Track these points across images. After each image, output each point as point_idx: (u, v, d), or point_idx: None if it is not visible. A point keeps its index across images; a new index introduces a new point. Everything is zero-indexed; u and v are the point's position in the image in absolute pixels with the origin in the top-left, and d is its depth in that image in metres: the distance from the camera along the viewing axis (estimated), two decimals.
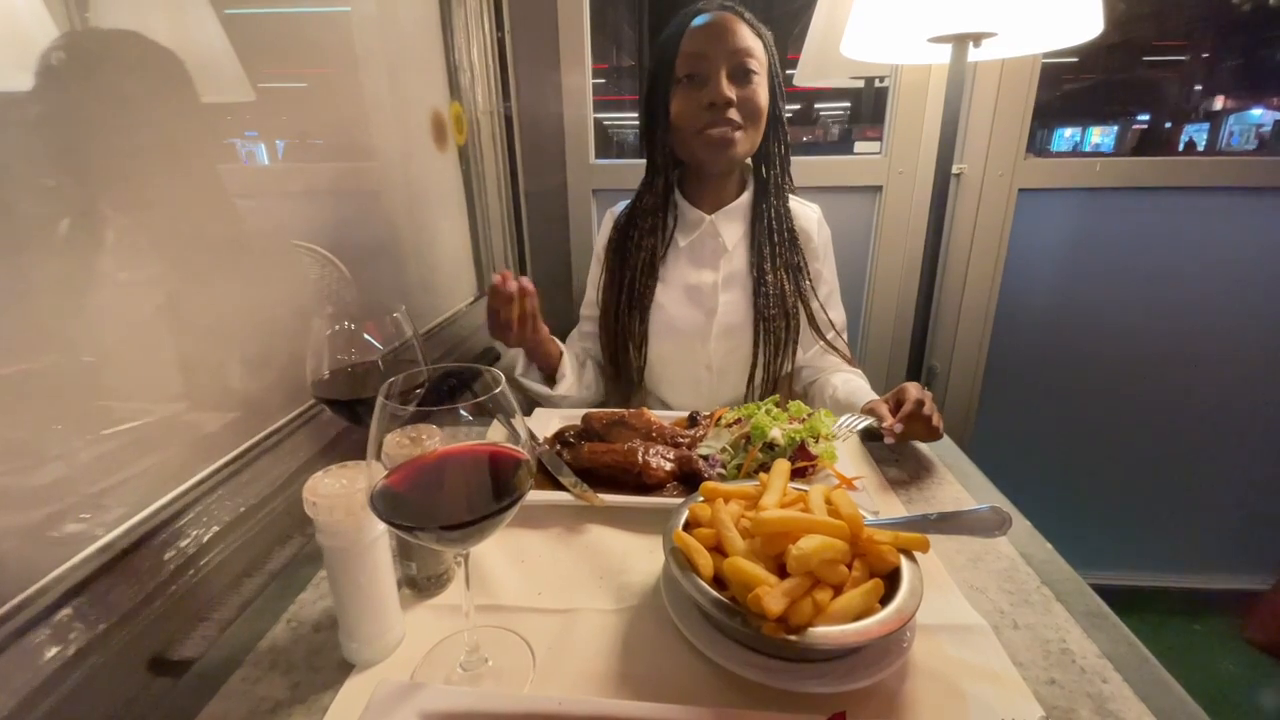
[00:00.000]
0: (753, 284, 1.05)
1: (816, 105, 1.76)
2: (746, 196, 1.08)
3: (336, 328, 0.58)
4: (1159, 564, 1.78)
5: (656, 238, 1.07)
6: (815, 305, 1.08)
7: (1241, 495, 1.69)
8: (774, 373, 1.07)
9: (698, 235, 1.07)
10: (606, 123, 1.71)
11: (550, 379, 1.03)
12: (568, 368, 1.02)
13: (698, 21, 0.97)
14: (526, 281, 0.91)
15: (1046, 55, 1.36)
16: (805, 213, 1.11)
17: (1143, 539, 1.77)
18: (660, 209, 1.07)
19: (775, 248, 1.05)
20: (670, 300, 1.07)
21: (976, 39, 1.07)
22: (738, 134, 0.98)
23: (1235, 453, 1.66)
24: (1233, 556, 1.75)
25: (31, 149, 0.50)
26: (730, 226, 1.07)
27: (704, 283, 1.06)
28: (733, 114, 0.96)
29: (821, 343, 1.08)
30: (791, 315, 1.05)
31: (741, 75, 0.96)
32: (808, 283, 1.07)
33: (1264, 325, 1.54)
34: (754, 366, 1.06)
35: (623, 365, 1.10)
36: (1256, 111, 1.80)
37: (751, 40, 0.97)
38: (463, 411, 0.41)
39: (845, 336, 1.13)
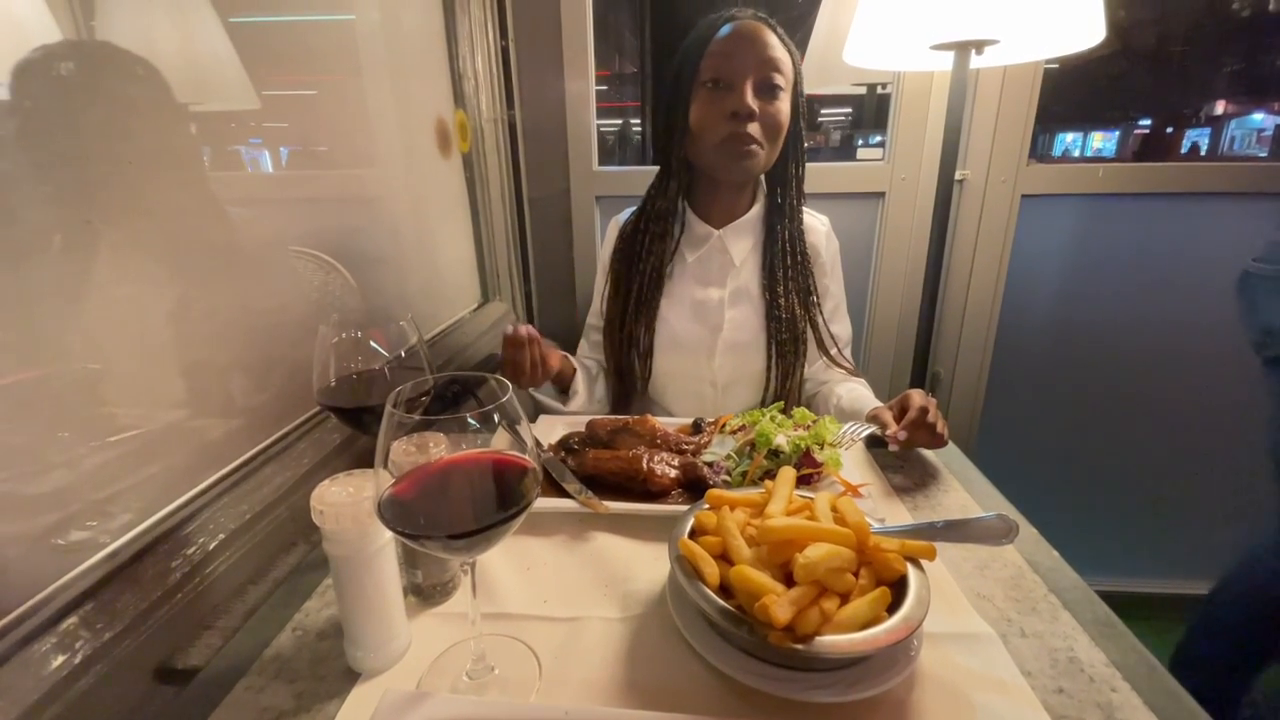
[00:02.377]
0: (765, 305, 1.04)
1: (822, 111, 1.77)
2: (757, 210, 1.07)
3: (343, 335, 0.58)
4: (1166, 570, 1.77)
5: (664, 247, 1.05)
6: (821, 322, 1.07)
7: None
8: (784, 390, 1.07)
9: (705, 250, 1.06)
10: (608, 129, 1.72)
11: (564, 393, 1.03)
12: (580, 384, 1.02)
13: (728, 28, 0.95)
14: (532, 330, 0.91)
15: (1048, 61, 1.37)
16: (815, 225, 1.11)
17: (1149, 544, 1.76)
18: (670, 214, 1.05)
19: (787, 269, 1.04)
20: (675, 315, 1.06)
21: (979, 46, 1.08)
22: (755, 148, 0.96)
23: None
24: None
25: (35, 156, 0.50)
26: (739, 242, 1.06)
27: (710, 299, 1.05)
28: (754, 129, 0.94)
29: (826, 357, 1.08)
30: (801, 336, 1.05)
31: (767, 89, 0.94)
32: (815, 300, 1.07)
33: None
34: (766, 384, 1.06)
35: (627, 375, 1.10)
36: (1258, 116, 1.80)
37: (781, 53, 0.94)
38: (469, 419, 0.41)
39: (849, 350, 1.12)
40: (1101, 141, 1.93)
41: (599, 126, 1.53)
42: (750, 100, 0.93)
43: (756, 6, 1.00)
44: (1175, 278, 1.52)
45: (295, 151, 0.85)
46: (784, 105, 0.96)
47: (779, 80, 0.94)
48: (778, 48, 0.94)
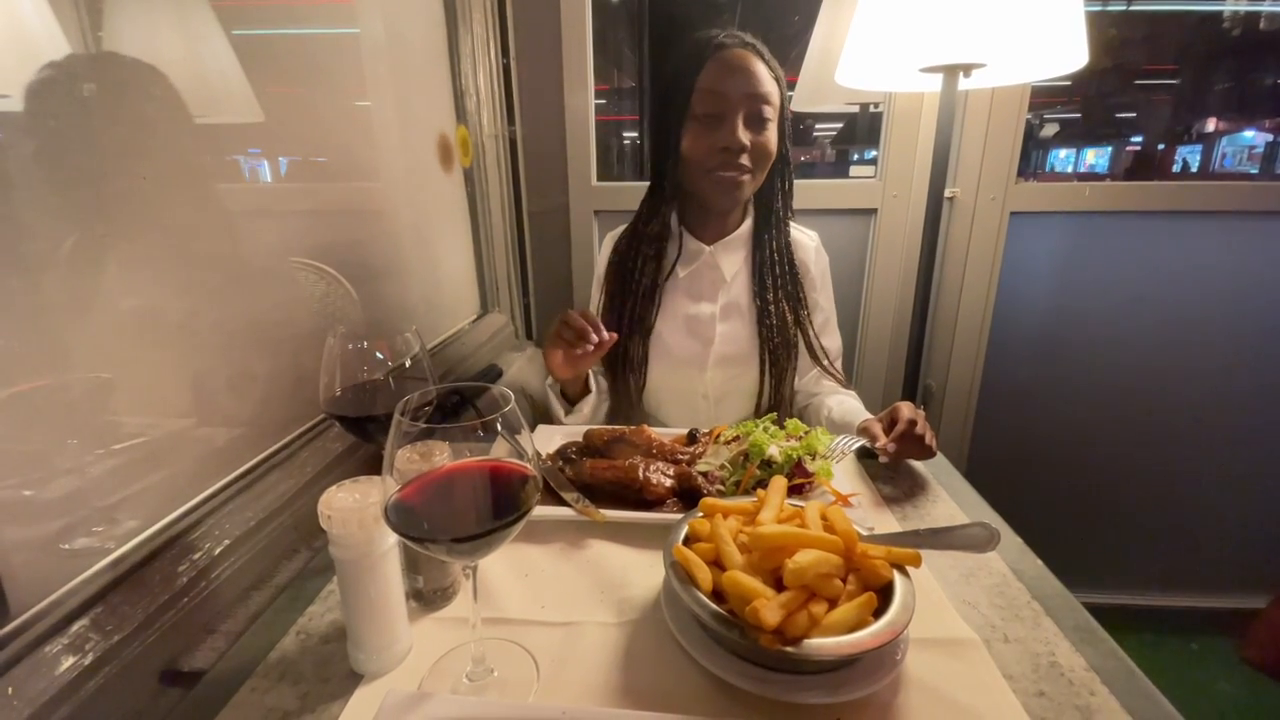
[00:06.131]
0: (756, 314, 1.07)
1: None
2: (747, 226, 1.09)
3: (350, 347, 0.60)
4: (1155, 582, 1.79)
5: (657, 266, 1.08)
6: (812, 333, 1.10)
7: (1237, 514, 1.71)
8: (778, 399, 1.09)
9: (697, 266, 1.08)
10: (617, 140, 1.75)
11: (570, 402, 1.05)
12: (588, 405, 1.03)
13: (718, 57, 0.96)
14: (587, 324, 0.90)
15: (1036, 83, 1.40)
16: (804, 241, 1.13)
17: (1139, 557, 1.78)
18: (663, 237, 1.08)
19: (777, 278, 1.07)
20: (669, 329, 1.08)
21: (966, 69, 1.11)
22: (746, 178, 0.99)
23: (1231, 472, 1.67)
24: (1229, 575, 1.76)
25: (55, 174, 0.51)
26: (730, 258, 1.08)
27: (702, 313, 1.08)
28: (745, 160, 0.97)
29: (818, 368, 1.10)
30: (792, 341, 1.08)
31: (757, 121, 0.96)
32: (805, 312, 1.09)
33: (1257, 346, 1.57)
34: (760, 394, 1.07)
35: (622, 389, 1.12)
36: (1249, 133, 1.83)
37: (770, 85, 0.96)
38: (474, 428, 0.43)
39: (840, 362, 1.14)
40: (1095, 157, 1.96)
41: (597, 141, 1.56)
42: (741, 135, 0.95)
43: (752, 28, 1.02)
44: (1162, 293, 1.55)
45: (298, 165, 0.86)
46: (772, 134, 0.99)
47: (768, 112, 0.96)
48: (766, 80, 0.96)
